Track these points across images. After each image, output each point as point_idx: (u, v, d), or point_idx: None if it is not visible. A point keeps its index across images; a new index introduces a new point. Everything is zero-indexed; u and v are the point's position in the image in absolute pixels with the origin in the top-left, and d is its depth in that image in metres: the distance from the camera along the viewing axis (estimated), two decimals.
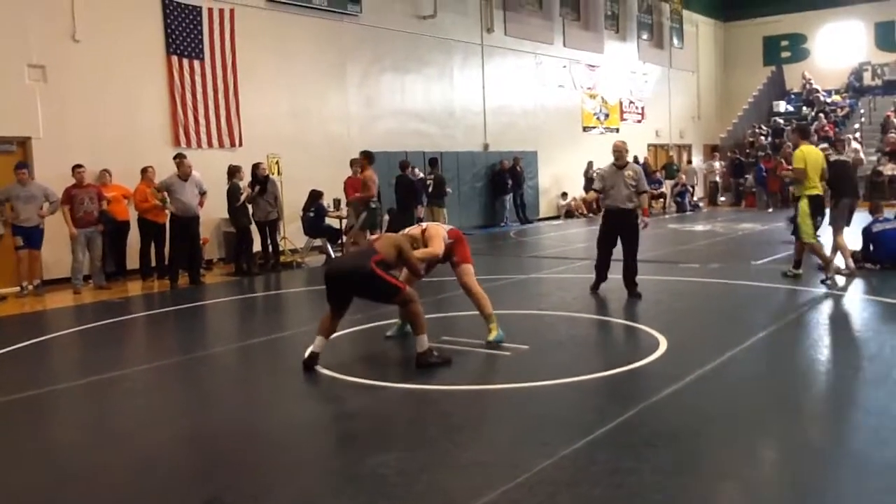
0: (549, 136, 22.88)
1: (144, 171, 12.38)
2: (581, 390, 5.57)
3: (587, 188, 23.52)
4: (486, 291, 7.06)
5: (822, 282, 9.50)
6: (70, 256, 11.43)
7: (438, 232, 6.91)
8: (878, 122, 27.47)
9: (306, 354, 6.38)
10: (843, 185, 10.32)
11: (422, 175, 15.28)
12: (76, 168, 11.37)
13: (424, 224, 7.22)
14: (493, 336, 6.79)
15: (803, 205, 9.67)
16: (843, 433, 4.50)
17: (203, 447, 4.82)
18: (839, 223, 10.07)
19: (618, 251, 9.20)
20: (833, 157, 10.48)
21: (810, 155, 9.74)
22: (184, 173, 11.68)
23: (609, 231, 9.27)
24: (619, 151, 9.22)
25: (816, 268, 10.15)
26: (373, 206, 12.58)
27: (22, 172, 10.93)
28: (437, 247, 6.75)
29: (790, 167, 10.81)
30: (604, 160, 25.31)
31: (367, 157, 12.93)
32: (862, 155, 24.63)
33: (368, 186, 12.62)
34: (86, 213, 11.31)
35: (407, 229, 7.20)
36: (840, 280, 9.69)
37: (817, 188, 9.70)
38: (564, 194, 23.33)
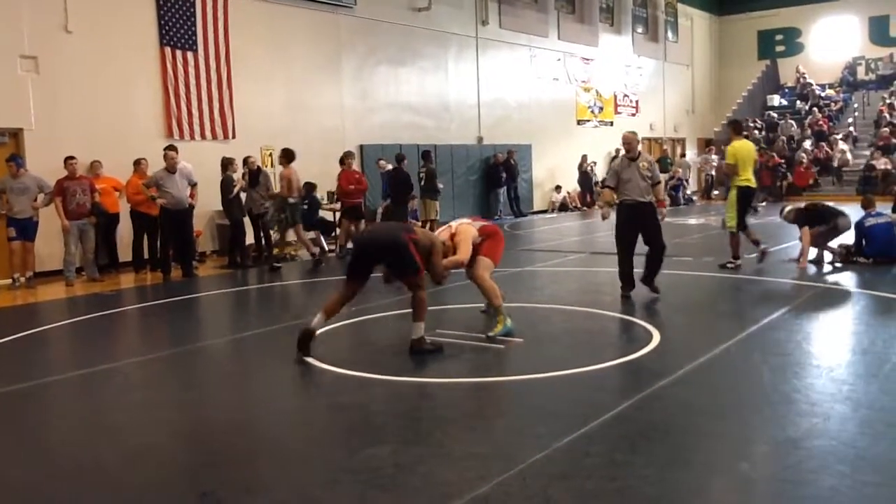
0: (544, 130, 22.87)
1: (137, 163, 12.34)
2: (575, 383, 5.58)
3: (581, 181, 23.61)
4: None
5: (722, 266, 10.49)
6: (62, 249, 11.39)
7: (468, 236, 6.96)
8: (871, 116, 27.57)
9: (301, 329, 6.41)
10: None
11: (390, 167, 15.23)
12: (68, 160, 11.31)
13: (454, 225, 7.16)
14: (496, 331, 6.80)
15: (732, 195, 10.49)
16: (837, 426, 4.51)
17: (197, 440, 4.81)
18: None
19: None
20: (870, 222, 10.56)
21: (741, 150, 10.51)
22: (170, 166, 11.57)
23: (628, 226, 8.63)
24: (630, 143, 8.70)
25: (792, 259, 10.73)
26: (291, 201, 12.44)
27: (11, 164, 10.87)
28: (464, 254, 6.88)
29: (725, 162, 11.44)
30: (598, 153, 25.41)
31: (286, 156, 12.59)
32: (849, 156, 24.70)
33: (289, 185, 12.40)
34: (78, 205, 11.26)
35: (437, 231, 7.28)
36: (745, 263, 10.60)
37: (749, 181, 10.46)
38: (558, 188, 23.34)
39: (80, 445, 4.79)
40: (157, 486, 4.07)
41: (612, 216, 9.12)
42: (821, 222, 10.51)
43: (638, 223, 8.58)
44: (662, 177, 25.33)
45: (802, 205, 11.18)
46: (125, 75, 13.06)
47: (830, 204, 11.27)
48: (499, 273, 10.86)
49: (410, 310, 6.48)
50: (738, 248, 10.49)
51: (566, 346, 6.75)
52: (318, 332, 6.50)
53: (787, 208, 11.17)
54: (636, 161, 8.57)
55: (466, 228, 7.07)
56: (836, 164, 24.81)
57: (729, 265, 10.44)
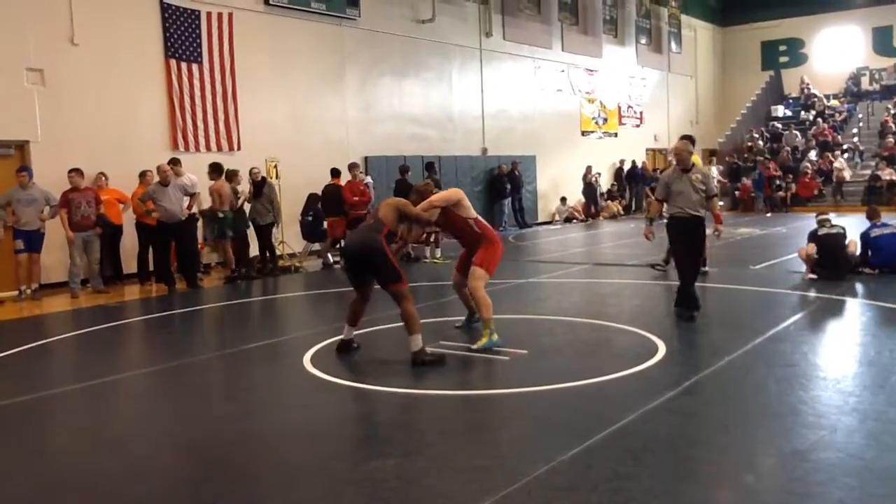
0: (548, 141, 22.89)
1: (143, 175, 12.36)
2: (579, 395, 5.55)
3: (585, 192, 23.62)
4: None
5: (652, 266, 11.29)
6: (68, 260, 11.41)
7: (454, 191, 7.17)
8: (875, 126, 27.53)
9: (338, 343, 6.92)
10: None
11: (369, 179, 15.29)
12: (71, 172, 11.33)
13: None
14: (480, 343, 6.78)
15: None
16: (843, 438, 4.48)
17: (200, 452, 4.80)
18: None
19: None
20: (823, 232, 10.43)
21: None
22: (163, 179, 11.55)
23: (682, 240, 8.10)
24: (681, 153, 8.17)
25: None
26: (220, 216, 12.31)
27: (23, 175, 10.92)
28: (445, 196, 7.04)
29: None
30: (602, 164, 25.45)
31: (215, 170, 12.42)
32: (846, 173, 24.61)
33: (219, 199, 12.27)
34: (83, 216, 11.28)
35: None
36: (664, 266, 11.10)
37: None
38: (563, 199, 23.34)
39: (83, 457, 4.78)
40: (159, 498, 4.06)
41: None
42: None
43: (687, 235, 8.08)
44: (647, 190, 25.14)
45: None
46: (131, 87, 13.11)
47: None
48: (503, 284, 10.86)
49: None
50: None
51: (570, 358, 6.73)
52: (352, 338, 6.94)
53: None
54: (688, 173, 8.05)
55: (456, 190, 7.25)
56: (834, 180, 24.74)
57: (658, 267, 11.34)
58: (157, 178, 12.26)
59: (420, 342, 6.36)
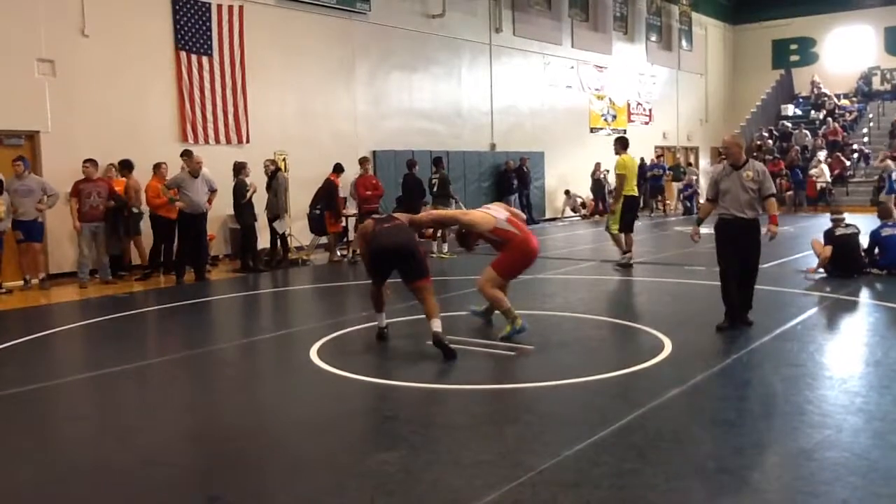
0: (556, 137, 22.86)
1: (158, 167, 12.37)
2: (585, 391, 5.56)
3: (594, 189, 23.59)
4: None
5: (615, 266, 11.78)
6: (77, 251, 11.46)
7: (482, 214, 7.32)
8: (886, 126, 27.38)
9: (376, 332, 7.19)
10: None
11: (436, 174, 15.10)
12: (86, 162, 11.38)
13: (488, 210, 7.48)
14: (506, 331, 7.00)
15: (620, 204, 11.98)
16: (849, 438, 4.48)
17: (207, 444, 4.82)
18: None
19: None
20: (840, 232, 10.44)
21: (629, 163, 12.14)
22: (194, 169, 11.68)
23: (727, 247, 7.36)
24: (729, 148, 7.39)
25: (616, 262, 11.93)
26: (136, 211, 12.15)
27: (17, 165, 10.94)
28: (456, 216, 7.54)
29: (616, 172, 12.59)
30: (611, 162, 25.38)
31: (126, 166, 12.27)
32: (826, 176, 24.19)
33: (135, 194, 12.18)
34: (92, 207, 11.32)
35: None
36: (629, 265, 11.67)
37: (633, 190, 12.12)
38: (567, 192, 23.27)
39: (91, 446, 4.81)
40: (166, 488, 4.08)
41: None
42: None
43: (736, 242, 7.28)
44: (675, 185, 25.16)
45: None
46: (141, 79, 13.15)
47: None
48: (511, 281, 10.85)
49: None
50: (630, 244, 11.99)
51: (577, 354, 6.73)
52: (385, 325, 7.22)
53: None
54: (740, 170, 7.24)
55: (488, 212, 7.32)
56: (817, 186, 24.52)
57: (622, 261, 11.81)
58: (169, 171, 12.30)
59: (440, 326, 6.50)
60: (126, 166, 12.25)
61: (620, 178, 12.10)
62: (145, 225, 12.37)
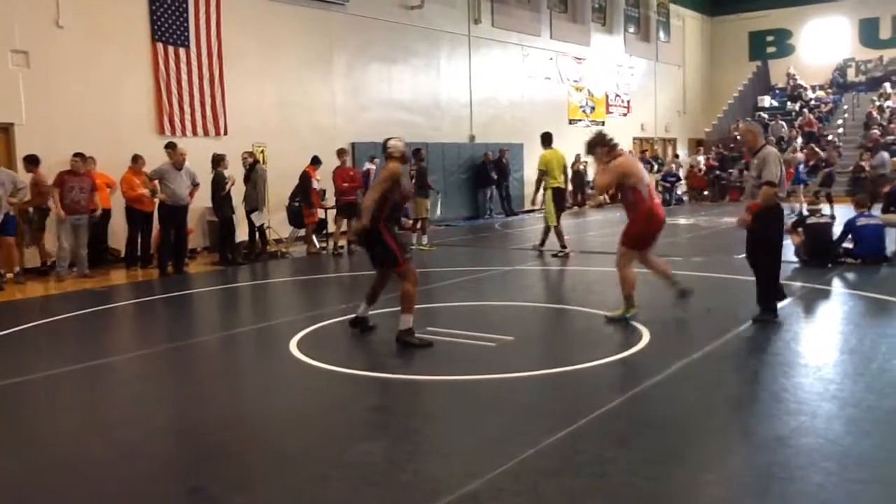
0: (536, 129, 22.70)
1: (136, 159, 12.24)
2: (565, 381, 5.61)
3: (573, 180, 23.64)
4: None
5: (554, 255, 12.17)
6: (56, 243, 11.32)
7: (613, 169, 7.22)
8: (861, 118, 27.70)
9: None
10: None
11: (372, 166, 14.94)
12: (74, 156, 11.27)
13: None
14: (614, 313, 7.30)
15: (547, 195, 12.41)
16: (824, 424, 4.56)
17: (188, 436, 4.82)
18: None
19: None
20: (812, 221, 10.62)
21: (551, 158, 12.52)
22: (178, 162, 11.62)
23: (747, 233, 7.30)
24: (744, 136, 7.48)
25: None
26: (44, 207, 11.58)
27: None
28: (600, 182, 7.47)
29: (538, 168, 12.92)
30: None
31: (32, 161, 11.43)
32: (799, 154, 24.08)
33: (38, 191, 11.48)
34: (73, 200, 11.17)
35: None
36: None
37: (559, 182, 12.49)
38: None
39: (72, 439, 4.78)
40: (148, 480, 4.08)
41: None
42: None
43: (751, 232, 7.21)
44: (652, 177, 25.25)
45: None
46: (117, 71, 13.01)
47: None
48: (490, 272, 10.90)
49: (397, 308, 6.53)
50: (562, 237, 12.39)
51: (556, 345, 6.79)
52: (366, 315, 7.12)
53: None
54: (755, 156, 7.16)
55: (621, 162, 7.22)
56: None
57: (560, 254, 12.14)
58: (147, 164, 12.19)
59: (409, 323, 6.52)
60: (31, 161, 11.45)
61: (542, 174, 12.60)
62: (117, 218, 12.30)
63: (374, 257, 6.83)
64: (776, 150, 7.34)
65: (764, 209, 6.99)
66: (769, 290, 7.27)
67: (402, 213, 15.14)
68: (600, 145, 7.43)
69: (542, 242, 12.78)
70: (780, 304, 7.47)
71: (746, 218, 7.13)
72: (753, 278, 7.31)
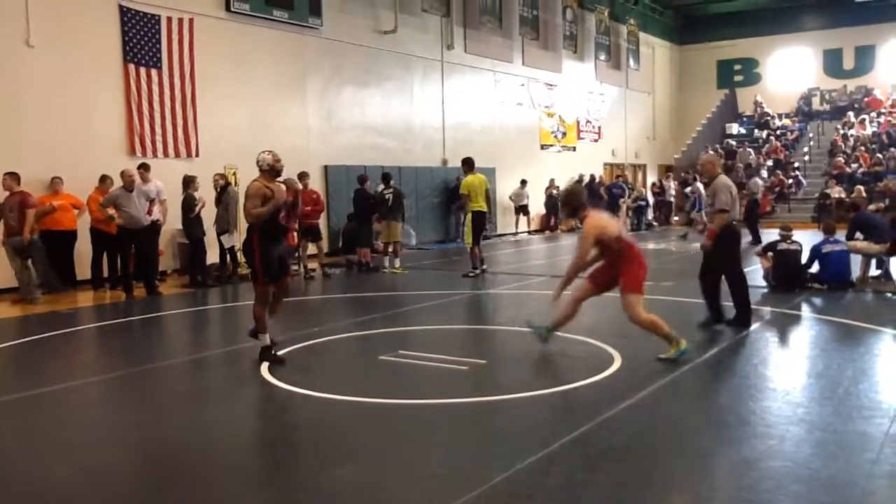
0: (508, 153, 23.04)
1: (103, 179, 12.12)
2: (537, 404, 5.62)
3: (547, 204, 23.84)
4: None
5: (464, 275, 12.73)
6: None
7: (609, 220, 6.92)
8: (825, 146, 28.26)
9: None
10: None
11: (381, 189, 15.01)
12: (4, 175, 11.00)
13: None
14: (668, 354, 6.62)
15: (468, 219, 12.95)
16: (792, 448, 4.60)
17: (155, 461, 4.75)
18: None
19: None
20: (783, 247, 10.75)
21: (473, 183, 12.94)
22: (128, 184, 11.40)
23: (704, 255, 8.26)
24: (704, 165, 8.42)
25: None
26: None
27: None
28: (580, 253, 6.91)
29: (460, 192, 13.61)
30: (561, 178, 25.63)
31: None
32: (759, 187, 24.33)
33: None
34: (6, 224, 10.93)
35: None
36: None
37: (481, 206, 12.90)
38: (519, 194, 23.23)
39: (36, 465, 4.67)
40: None
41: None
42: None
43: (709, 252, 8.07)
44: (623, 202, 25.27)
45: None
46: (88, 91, 12.91)
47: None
48: (462, 295, 10.91)
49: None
50: (475, 259, 12.85)
51: (528, 368, 6.79)
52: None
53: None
54: (710, 185, 8.05)
55: (594, 224, 6.71)
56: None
57: (471, 274, 12.67)
58: (113, 184, 12.10)
59: (266, 340, 6.84)
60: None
61: (464, 198, 13.07)
62: (83, 240, 12.17)
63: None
64: (726, 179, 7.99)
65: (714, 233, 7.82)
66: (713, 306, 8.01)
67: (374, 236, 15.14)
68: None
69: (474, 266, 13.12)
70: (717, 327, 7.99)
71: (707, 244, 7.96)
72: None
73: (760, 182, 20.85)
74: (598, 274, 6.99)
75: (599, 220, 6.79)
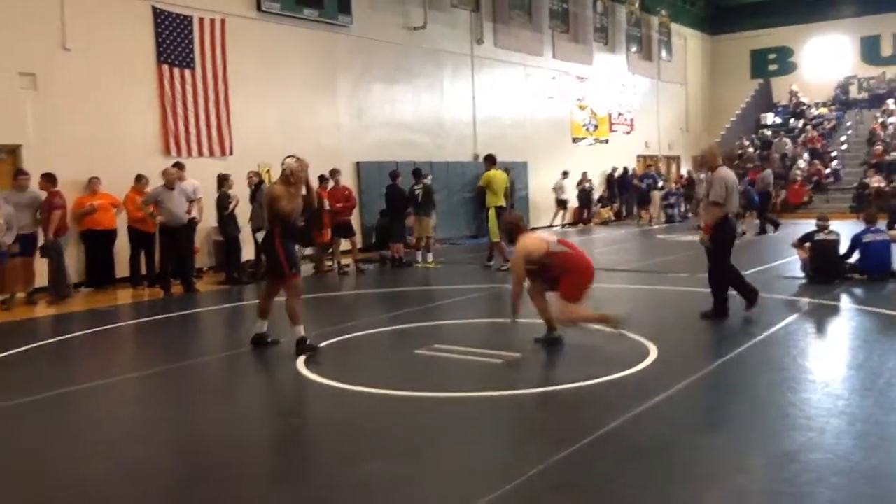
0: (539, 147, 22.96)
1: (139, 179, 12.32)
2: (571, 398, 5.59)
3: (580, 198, 23.75)
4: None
5: (498, 269, 12.60)
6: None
7: (534, 240, 7.05)
8: (864, 134, 27.73)
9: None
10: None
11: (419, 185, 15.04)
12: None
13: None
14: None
15: (492, 213, 12.84)
16: (832, 440, 4.53)
17: (189, 456, 4.80)
18: None
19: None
20: (820, 237, 10.54)
21: (495, 178, 13.01)
22: (169, 182, 11.61)
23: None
24: (705, 156, 8.38)
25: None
26: None
27: (21, 179, 10.95)
28: (514, 281, 7.07)
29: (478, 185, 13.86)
30: (594, 171, 25.49)
31: None
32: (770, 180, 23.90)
33: None
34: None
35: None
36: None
37: (501, 202, 12.97)
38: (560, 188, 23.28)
39: (74, 460, 4.76)
40: (148, 501, 4.06)
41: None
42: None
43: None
44: (655, 194, 25.07)
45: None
46: (123, 92, 13.10)
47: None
48: (496, 289, 10.89)
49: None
50: (504, 252, 12.41)
51: (563, 362, 6.76)
52: (263, 331, 7.40)
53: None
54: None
55: (518, 249, 6.97)
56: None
57: (503, 268, 12.32)
58: (151, 184, 12.26)
59: (301, 332, 7.01)
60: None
61: (481, 190, 13.28)
62: (121, 239, 12.36)
63: (267, 267, 7.31)
64: (726, 172, 8.00)
65: (708, 224, 8.03)
66: (717, 297, 8.01)
67: (407, 231, 15.16)
68: (505, 234, 7.69)
69: (489, 259, 13.27)
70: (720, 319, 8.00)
71: (705, 238, 8.13)
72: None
73: (770, 173, 20.57)
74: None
75: (524, 244, 6.99)
